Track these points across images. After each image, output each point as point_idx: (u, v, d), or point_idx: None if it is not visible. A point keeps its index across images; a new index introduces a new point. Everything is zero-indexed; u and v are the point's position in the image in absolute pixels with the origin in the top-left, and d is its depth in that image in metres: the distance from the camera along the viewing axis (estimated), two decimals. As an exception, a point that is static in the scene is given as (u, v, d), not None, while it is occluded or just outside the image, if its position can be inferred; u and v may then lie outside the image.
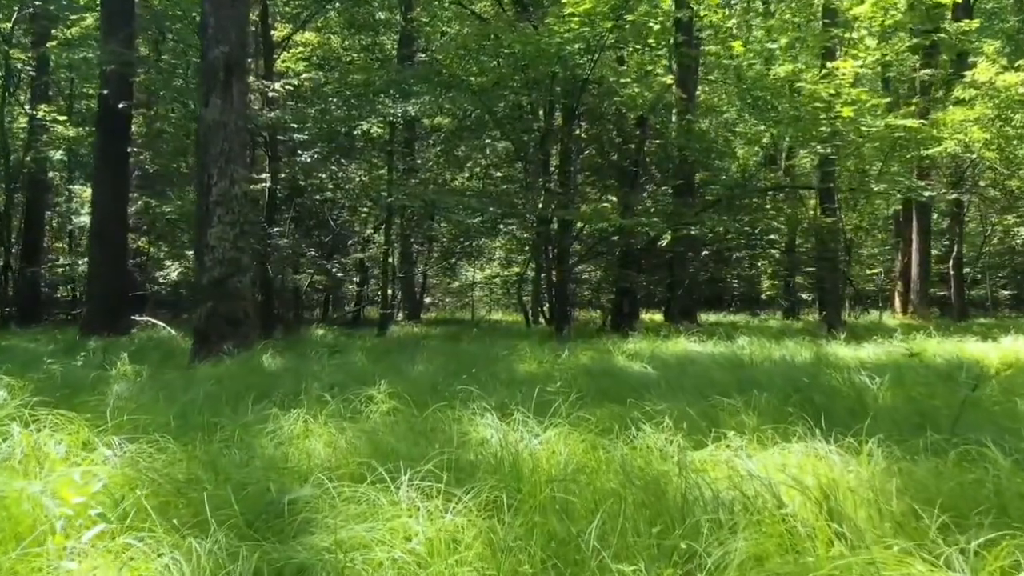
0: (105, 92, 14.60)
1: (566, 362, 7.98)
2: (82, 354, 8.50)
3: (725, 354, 9.04)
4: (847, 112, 11.92)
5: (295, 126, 15.51)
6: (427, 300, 28.70)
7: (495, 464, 3.63)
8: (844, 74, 11.67)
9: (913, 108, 12.51)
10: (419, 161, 20.48)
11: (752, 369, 8.13)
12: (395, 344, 12.71)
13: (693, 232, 14.91)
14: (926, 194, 12.95)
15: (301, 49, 19.75)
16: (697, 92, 19.09)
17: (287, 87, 14.15)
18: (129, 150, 15.01)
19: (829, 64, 11.52)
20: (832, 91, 11.84)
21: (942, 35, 13.00)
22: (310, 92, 15.78)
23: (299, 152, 14.98)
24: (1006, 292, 29.26)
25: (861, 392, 6.29)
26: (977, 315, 25.55)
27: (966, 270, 25.07)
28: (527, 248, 20.66)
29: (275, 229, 16.10)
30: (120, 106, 14.18)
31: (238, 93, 8.55)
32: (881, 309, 25.39)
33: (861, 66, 11.55)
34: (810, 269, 17.07)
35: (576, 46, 13.45)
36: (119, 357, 7.56)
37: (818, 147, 12.28)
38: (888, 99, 13.21)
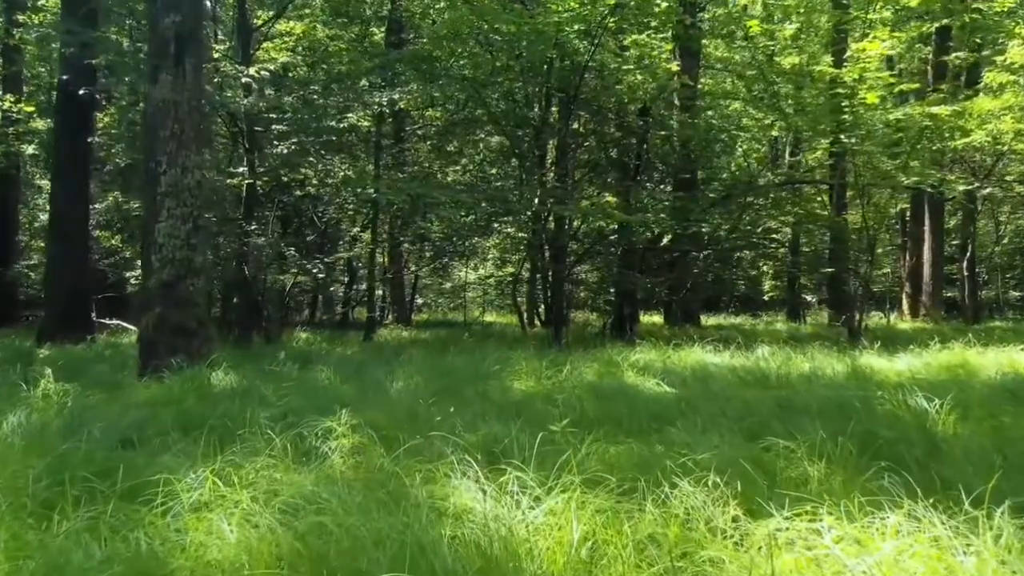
0: (65, 78, 13.46)
1: (568, 378, 6.90)
2: (8, 367, 7.39)
3: (747, 367, 7.98)
4: (872, 98, 10.88)
5: (272, 116, 14.40)
6: (419, 301, 27.65)
7: (479, 551, 2.56)
8: (870, 57, 10.63)
9: (942, 95, 11.49)
10: (408, 156, 19.41)
11: (783, 387, 7.08)
12: (378, 352, 11.63)
13: (704, 229, 13.85)
14: (960, 188, 11.95)
15: (286, 39, 18.66)
16: (700, 85, 18.05)
17: (262, 71, 13.02)
18: (91, 140, 13.86)
19: (854, 46, 10.48)
20: (856, 75, 10.80)
21: (974, 15, 11.97)
22: (292, 81, 14.67)
23: (276, 143, 13.86)
24: (1016, 293, 28.31)
25: (924, 420, 5.24)
26: (989, 318, 24.58)
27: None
28: (522, 247, 19.61)
29: (253, 226, 14.98)
30: (80, 93, 13.06)
31: (192, 68, 7.45)
32: (888, 311, 24.36)
33: (889, 48, 10.50)
34: (828, 270, 16.01)
35: (576, 27, 12.37)
36: (45, 372, 6.45)
37: (842, 137, 11.24)
38: (917, 85, 12.20)
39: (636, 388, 6.44)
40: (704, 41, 20.27)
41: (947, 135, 12.36)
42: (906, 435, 4.75)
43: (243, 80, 13.05)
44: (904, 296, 23.41)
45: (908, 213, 23.52)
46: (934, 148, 12.32)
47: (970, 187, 13.95)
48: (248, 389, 5.86)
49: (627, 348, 10.00)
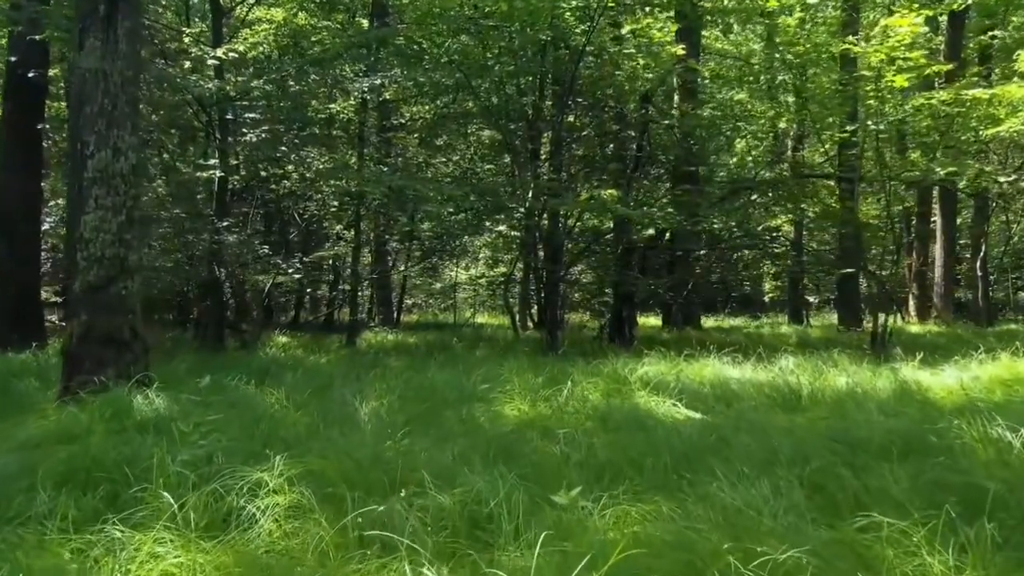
0: (13, 59, 12.27)
1: (570, 401, 5.79)
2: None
3: (774, 384, 6.90)
4: (901, 81, 9.83)
5: (245, 102, 13.26)
6: (409, 302, 26.58)
7: None
8: (899, 35, 9.57)
9: (974, 79, 10.44)
10: (394, 149, 18.29)
11: (819, 407, 6.00)
12: (356, 361, 10.51)
13: (716, 225, 12.79)
14: (1001, 180, 10.95)
15: (266, 27, 17.51)
16: (702, 73, 17.00)
17: (230, 53, 11.85)
18: (41, 128, 12.68)
19: (883, 21, 9.44)
20: (884, 56, 9.75)
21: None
22: (264, 63, 13.52)
23: (244, 131, 12.70)
24: (1024, 294, 27.38)
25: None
26: (1002, 320, 23.63)
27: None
28: (515, 246, 18.54)
29: (226, 223, 13.81)
30: (30, 75, 11.89)
31: (126, 33, 6.32)
32: (894, 313, 23.33)
33: (921, 25, 9.43)
34: (848, 270, 14.97)
35: (573, 2, 11.27)
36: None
37: (869, 124, 10.18)
38: (951, 66, 11.16)
39: (652, 414, 5.35)
40: (704, 32, 19.27)
41: (975, 124, 11.31)
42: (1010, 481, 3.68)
43: (209, 62, 11.89)
44: (911, 297, 22.42)
45: (916, 210, 22.51)
46: (963, 138, 11.28)
47: (1011, 180, 12.86)
48: (176, 417, 4.74)
49: (632, 358, 8.90)
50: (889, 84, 9.98)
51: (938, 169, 10.16)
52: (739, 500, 3.35)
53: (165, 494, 3.10)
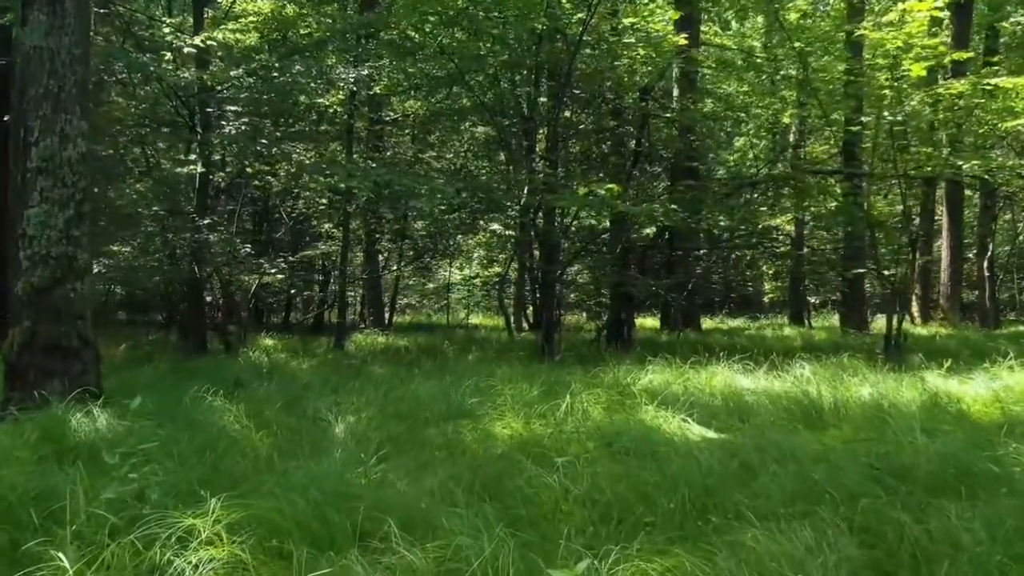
0: (-23, 48, 11.58)
1: (568, 418, 5.17)
2: None
3: (792, 395, 6.29)
4: (918, 70, 9.24)
5: (226, 94, 12.60)
6: (403, 302, 25.99)
7: None
8: (916, 20, 8.98)
9: (995, 68, 9.86)
10: (386, 145, 17.67)
11: (844, 423, 5.41)
12: (341, 367, 9.89)
13: (721, 223, 12.18)
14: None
15: (252, 18, 16.85)
16: (701, 66, 16.40)
17: (208, 41, 11.19)
18: (6, 119, 11.95)
19: (900, 5, 8.83)
20: (901, 43, 9.16)
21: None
22: (245, 51, 12.86)
23: (223, 123, 12.05)
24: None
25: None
26: (1009, 322, 23.10)
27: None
28: (509, 246, 17.93)
29: (206, 221, 13.15)
30: (-6, 64, 11.22)
31: (74, 6, 5.68)
32: (905, 316, 22.73)
33: (940, 8, 8.82)
34: (860, 270, 14.38)
35: (570, -14, 10.67)
36: None
37: (886, 115, 9.57)
38: (971, 54, 10.59)
39: (662, 433, 4.73)
40: (703, 28, 18.66)
41: (992, 117, 10.72)
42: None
43: (185, 50, 11.24)
44: (914, 298, 21.84)
45: (919, 207, 21.92)
46: (980, 131, 10.69)
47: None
48: (116, 441, 4.11)
49: (633, 365, 8.29)
50: (905, 73, 9.38)
51: (961, 163, 9.57)
52: (777, 550, 2.74)
53: (61, 557, 2.47)
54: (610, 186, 9.06)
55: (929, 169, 10.50)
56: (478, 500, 3.30)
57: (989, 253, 20.20)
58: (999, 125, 10.65)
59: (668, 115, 13.44)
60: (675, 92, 15.28)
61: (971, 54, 10.77)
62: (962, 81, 9.41)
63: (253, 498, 3.09)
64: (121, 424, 4.50)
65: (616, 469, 3.81)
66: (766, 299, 30.71)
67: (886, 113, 9.50)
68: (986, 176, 11.00)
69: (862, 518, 3.08)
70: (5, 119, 12.00)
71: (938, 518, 3.04)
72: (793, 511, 3.15)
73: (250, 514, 2.87)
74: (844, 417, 5.71)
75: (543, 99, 14.36)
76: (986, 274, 20.18)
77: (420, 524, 2.94)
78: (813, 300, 27.38)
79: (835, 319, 22.78)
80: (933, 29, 17.64)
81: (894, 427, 4.82)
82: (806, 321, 22.09)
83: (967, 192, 19.21)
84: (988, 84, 9.16)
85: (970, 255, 22.77)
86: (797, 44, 9.78)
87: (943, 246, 20.18)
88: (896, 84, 9.68)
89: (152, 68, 10.94)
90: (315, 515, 2.99)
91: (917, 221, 22.56)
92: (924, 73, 9.30)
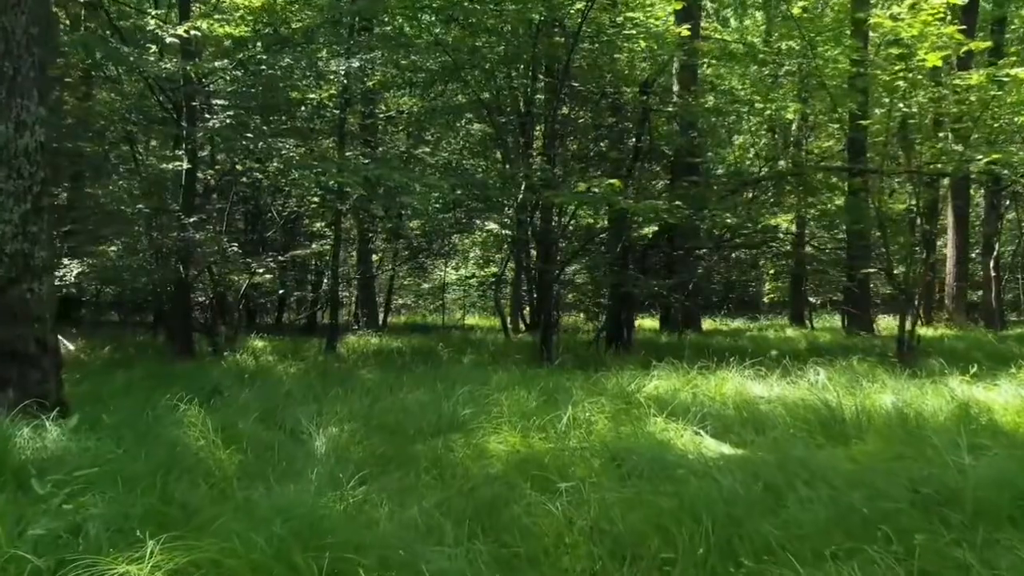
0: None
1: (570, 432, 4.72)
2: None
3: (809, 403, 5.85)
4: (934, 60, 8.83)
5: (212, 87, 12.15)
6: (399, 302, 25.59)
7: None
8: (933, 6, 8.56)
9: (1013, 59, 9.46)
10: (380, 142, 17.22)
11: (875, 439, 4.96)
12: (330, 371, 9.43)
13: (727, 221, 11.74)
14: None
15: (241, 12, 16.39)
16: (704, 61, 15.99)
17: (192, 31, 10.72)
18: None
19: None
20: (916, 32, 8.74)
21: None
22: (230, 41, 12.38)
23: (208, 117, 11.58)
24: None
25: None
26: (1011, 323, 22.71)
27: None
28: (506, 245, 17.51)
29: (193, 219, 12.66)
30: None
31: (31, -17, 5.24)
32: (909, 315, 22.30)
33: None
34: (870, 270, 13.97)
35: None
36: None
37: (901, 106, 9.16)
38: (989, 44, 10.18)
39: (674, 449, 4.28)
40: (703, 24, 18.23)
41: (1008, 110, 10.30)
42: None
43: (168, 40, 10.76)
44: (917, 298, 21.42)
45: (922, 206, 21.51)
46: (995, 125, 10.28)
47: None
48: (63, 459, 3.65)
49: (637, 370, 7.85)
50: (920, 64, 8.96)
51: (979, 157, 9.16)
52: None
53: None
54: (611, 181, 8.62)
55: (942, 164, 10.08)
56: (469, 533, 2.85)
57: (995, 253, 19.81)
58: (1015, 119, 10.21)
59: (669, 110, 12.99)
60: (675, 87, 14.88)
61: (989, 43, 10.33)
62: (980, 72, 8.98)
63: (206, 535, 2.64)
64: (74, 441, 4.04)
65: (626, 494, 3.36)
66: (766, 299, 30.31)
67: (900, 104, 9.08)
68: (1004, 171, 10.59)
69: (921, 558, 2.63)
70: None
71: (1007, 556, 2.60)
72: (837, 549, 2.71)
73: (196, 558, 2.43)
74: (867, 428, 5.27)
75: (540, 95, 13.95)
76: (992, 274, 19.79)
77: (400, 566, 2.49)
78: (814, 301, 26.98)
79: (836, 320, 22.38)
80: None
81: (930, 442, 4.39)
82: (807, 322, 21.67)
83: (971, 191, 18.78)
84: (1006, 75, 8.74)
85: (974, 255, 22.41)
86: (807, 35, 9.33)
87: (948, 245, 19.79)
88: (910, 76, 9.24)
89: (132, 59, 10.46)
90: (277, 557, 2.54)
91: (919, 220, 22.20)
92: (940, 63, 8.89)
